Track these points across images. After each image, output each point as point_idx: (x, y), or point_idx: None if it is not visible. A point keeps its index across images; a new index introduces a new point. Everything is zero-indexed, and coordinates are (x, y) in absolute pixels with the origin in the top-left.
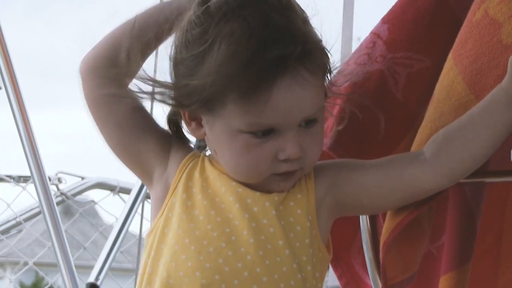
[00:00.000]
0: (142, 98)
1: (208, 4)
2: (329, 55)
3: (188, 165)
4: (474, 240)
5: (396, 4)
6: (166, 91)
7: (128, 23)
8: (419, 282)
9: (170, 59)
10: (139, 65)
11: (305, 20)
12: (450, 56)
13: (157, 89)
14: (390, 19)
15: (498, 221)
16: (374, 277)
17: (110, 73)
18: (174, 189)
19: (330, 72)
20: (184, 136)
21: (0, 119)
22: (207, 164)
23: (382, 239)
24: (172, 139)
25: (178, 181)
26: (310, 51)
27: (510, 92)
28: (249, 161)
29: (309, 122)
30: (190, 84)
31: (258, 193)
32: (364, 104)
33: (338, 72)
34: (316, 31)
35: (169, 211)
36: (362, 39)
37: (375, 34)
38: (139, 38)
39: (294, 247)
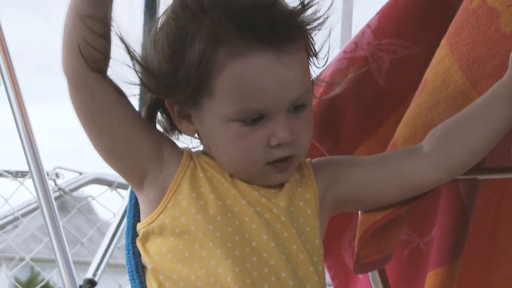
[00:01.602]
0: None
1: None
2: (312, 37)
3: (188, 163)
4: (466, 237)
5: None
6: (154, 83)
7: (71, 21)
8: (405, 276)
9: (148, 56)
10: (109, 50)
11: (285, 3)
12: (443, 42)
13: (146, 83)
14: (382, 9)
15: (492, 218)
16: None
17: (101, 68)
18: (177, 187)
19: (315, 55)
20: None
21: None
22: (204, 163)
23: (364, 225)
24: (162, 139)
25: (181, 179)
26: (292, 32)
27: (511, 87)
28: (242, 150)
29: (298, 107)
30: (176, 76)
31: (264, 200)
32: (344, 89)
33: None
34: (299, 13)
35: (174, 210)
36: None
37: (367, 25)
38: (93, 25)
39: (307, 249)
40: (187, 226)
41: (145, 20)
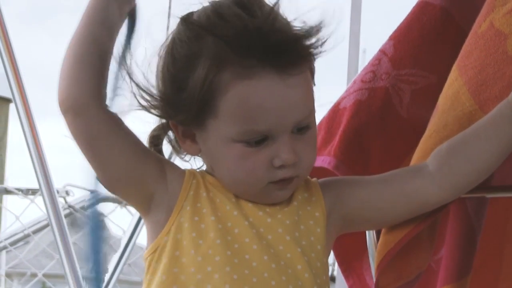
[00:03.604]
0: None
1: (191, 20)
2: (313, 59)
3: (191, 183)
4: (474, 255)
5: (403, 20)
6: (158, 104)
7: (80, 43)
8: None
9: (156, 77)
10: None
11: (288, 24)
12: (454, 67)
13: (149, 104)
14: (396, 35)
15: (499, 234)
16: None
17: (102, 96)
18: (180, 209)
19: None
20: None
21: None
22: (208, 183)
23: (382, 250)
24: (163, 160)
25: (184, 200)
26: (296, 55)
27: None
28: (245, 170)
29: (301, 129)
30: (180, 96)
31: (270, 220)
32: (368, 122)
33: (346, 91)
34: (304, 37)
35: (177, 233)
36: (367, 51)
37: (381, 51)
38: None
39: (315, 267)
40: (187, 250)
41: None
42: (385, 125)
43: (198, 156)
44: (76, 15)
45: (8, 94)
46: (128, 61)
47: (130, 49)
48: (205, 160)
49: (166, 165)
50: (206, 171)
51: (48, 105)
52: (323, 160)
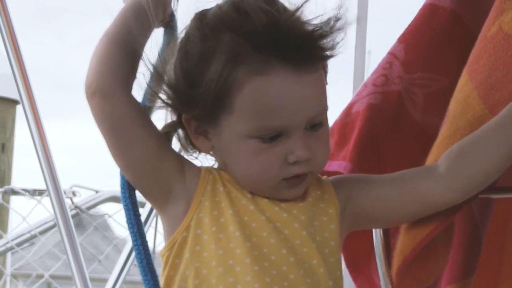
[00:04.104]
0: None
1: (206, 16)
2: (328, 58)
3: (208, 178)
4: (479, 256)
5: (411, 23)
6: (173, 99)
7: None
8: None
9: (166, 73)
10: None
11: (306, 22)
12: (464, 71)
13: (166, 99)
14: (406, 39)
15: (500, 233)
16: None
17: (130, 85)
18: (198, 204)
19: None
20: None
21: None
22: (223, 179)
23: (401, 254)
24: (180, 155)
25: (202, 195)
26: (313, 53)
27: None
28: (259, 166)
29: (315, 126)
30: (196, 91)
31: (285, 215)
32: (382, 127)
33: (357, 94)
34: (322, 35)
35: (197, 228)
36: (372, 53)
37: (391, 54)
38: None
39: (329, 262)
40: (208, 244)
41: (165, 36)
42: (399, 129)
43: (210, 154)
44: (81, 16)
45: (15, 96)
46: (152, 62)
47: (162, 56)
48: (218, 157)
49: (184, 160)
50: (219, 168)
51: (53, 107)
52: (339, 165)
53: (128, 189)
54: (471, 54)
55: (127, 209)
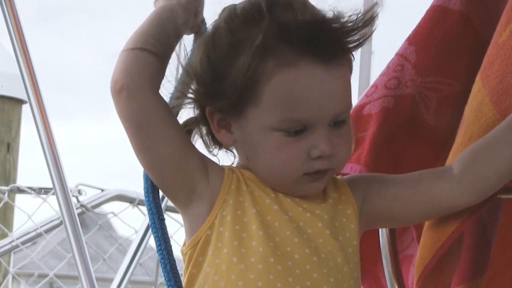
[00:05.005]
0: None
1: (235, 10)
2: (352, 54)
3: (232, 177)
4: (489, 256)
5: (421, 25)
6: (198, 91)
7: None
8: None
9: (195, 61)
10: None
11: (335, 17)
12: (478, 78)
13: (191, 93)
14: (417, 41)
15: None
16: None
17: (157, 83)
18: (222, 203)
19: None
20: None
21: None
22: (246, 178)
23: (424, 260)
24: (203, 155)
25: (226, 194)
26: (342, 48)
27: None
28: (282, 159)
29: (338, 123)
30: (223, 82)
31: (308, 214)
32: (397, 130)
33: (367, 96)
34: (351, 30)
35: (220, 225)
36: (376, 53)
37: (402, 56)
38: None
39: (353, 261)
40: (229, 241)
41: (194, 43)
42: (414, 134)
43: (230, 150)
44: (85, 16)
45: (21, 95)
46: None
47: (190, 56)
48: (240, 151)
49: (207, 159)
50: (240, 166)
51: (57, 106)
52: (352, 168)
53: (152, 192)
54: (484, 60)
55: (151, 214)
